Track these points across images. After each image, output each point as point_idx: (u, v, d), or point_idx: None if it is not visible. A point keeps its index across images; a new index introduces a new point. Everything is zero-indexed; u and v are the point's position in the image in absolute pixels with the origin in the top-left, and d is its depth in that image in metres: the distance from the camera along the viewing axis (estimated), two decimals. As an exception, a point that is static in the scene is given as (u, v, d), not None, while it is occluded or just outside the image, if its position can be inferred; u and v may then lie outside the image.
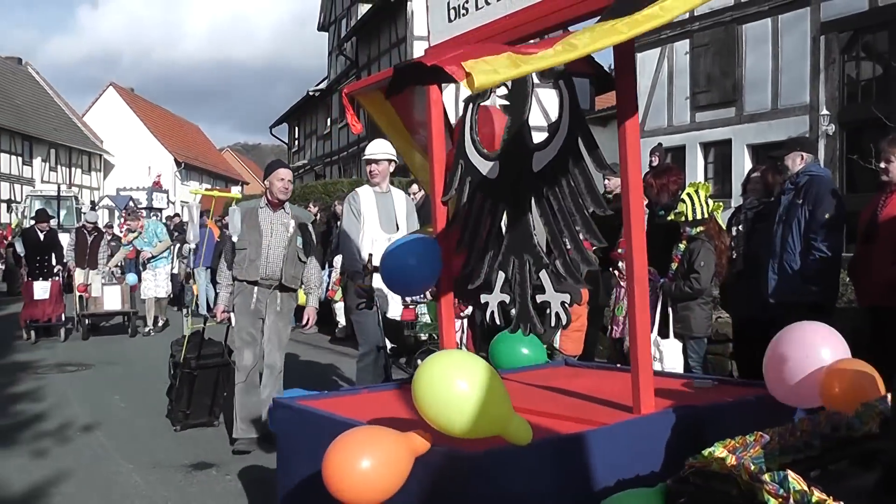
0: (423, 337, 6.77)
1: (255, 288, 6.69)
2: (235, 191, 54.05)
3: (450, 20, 4.24)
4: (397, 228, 6.81)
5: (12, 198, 39.10)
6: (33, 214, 16.54)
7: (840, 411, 2.94)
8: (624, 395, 3.70)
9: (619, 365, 5.51)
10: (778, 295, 6.24)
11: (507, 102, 3.95)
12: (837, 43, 14.74)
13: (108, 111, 54.57)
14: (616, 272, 7.17)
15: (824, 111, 14.72)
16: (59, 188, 28.58)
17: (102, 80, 57.39)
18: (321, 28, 35.30)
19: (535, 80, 3.86)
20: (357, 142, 29.91)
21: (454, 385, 2.80)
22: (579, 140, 3.56)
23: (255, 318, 6.72)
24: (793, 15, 15.35)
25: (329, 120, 34.21)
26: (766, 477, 2.36)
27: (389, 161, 6.92)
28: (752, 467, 2.44)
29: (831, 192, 6.14)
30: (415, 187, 11.40)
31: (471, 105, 4.23)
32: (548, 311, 3.79)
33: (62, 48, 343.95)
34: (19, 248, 15.61)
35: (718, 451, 2.61)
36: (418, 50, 23.54)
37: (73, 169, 47.99)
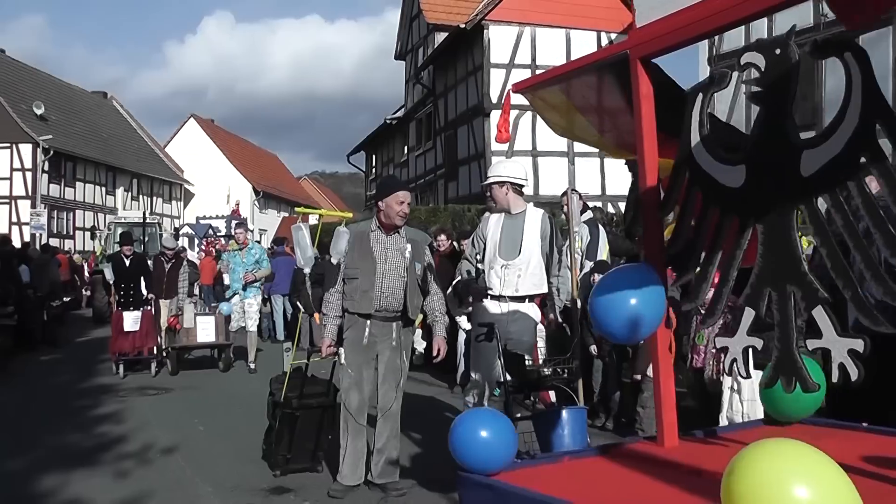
0: (547, 371, 6.13)
1: (369, 321, 6.10)
2: (313, 220, 54.56)
3: None
4: (519, 252, 6.24)
5: (96, 225, 40.33)
6: (117, 240, 16.24)
7: None
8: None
9: (864, 423, 4.02)
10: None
11: (758, 88, 2.95)
12: (922, 63, 14.40)
13: (189, 142, 56.10)
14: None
15: (909, 134, 14.37)
16: (144, 214, 28.88)
17: (188, 113, 58.85)
18: (398, 57, 35.57)
19: (799, 58, 2.82)
20: (434, 170, 30.03)
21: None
22: (877, 129, 2.58)
23: (366, 355, 6.14)
24: (874, 34, 15.06)
25: (406, 148, 34.39)
26: None
27: (502, 183, 6.31)
28: None
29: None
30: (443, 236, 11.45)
31: (700, 96, 3.21)
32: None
33: (149, 82, 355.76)
34: (108, 275, 15.08)
35: None
36: (495, 77, 23.73)
37: (154, 198, 49.34)
